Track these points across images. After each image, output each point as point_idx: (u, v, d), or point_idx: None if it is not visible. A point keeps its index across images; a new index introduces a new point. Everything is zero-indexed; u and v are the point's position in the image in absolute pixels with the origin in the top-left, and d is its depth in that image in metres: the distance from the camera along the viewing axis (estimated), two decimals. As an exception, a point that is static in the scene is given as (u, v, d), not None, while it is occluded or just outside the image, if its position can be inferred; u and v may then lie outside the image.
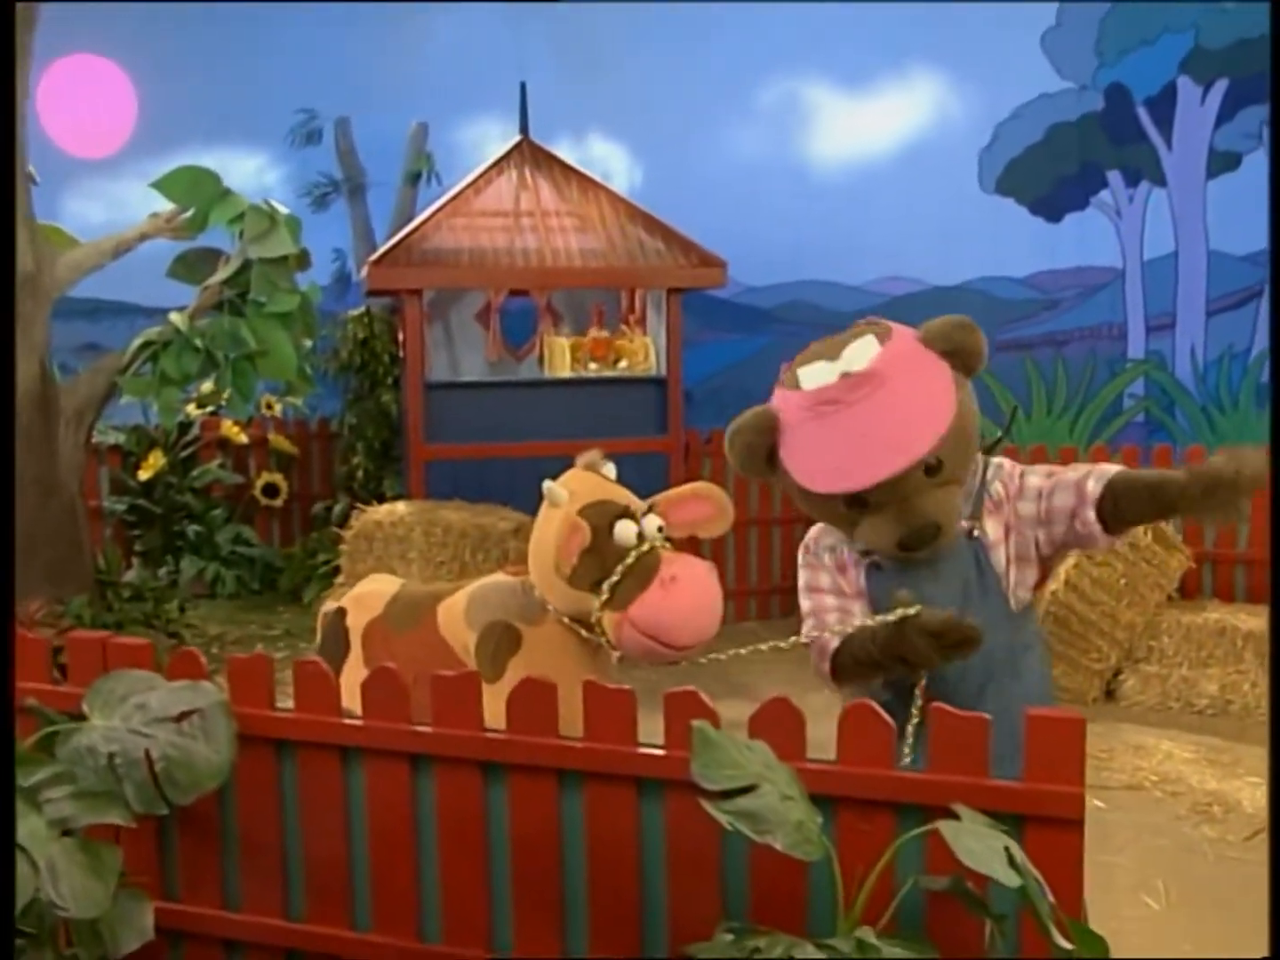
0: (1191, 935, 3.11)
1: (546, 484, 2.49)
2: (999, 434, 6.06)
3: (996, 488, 2.12)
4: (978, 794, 1.74)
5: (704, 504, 2.51)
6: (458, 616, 2.62)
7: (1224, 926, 3.14)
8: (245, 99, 8.05)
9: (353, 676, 2.45)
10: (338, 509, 6.69)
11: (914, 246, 7.72)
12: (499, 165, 6.07)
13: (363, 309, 6.61)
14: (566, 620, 2.50)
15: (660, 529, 2.45)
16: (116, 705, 2.07)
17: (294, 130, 7.92)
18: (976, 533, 2.09)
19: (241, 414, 5.98)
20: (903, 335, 2.03)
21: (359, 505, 5.60)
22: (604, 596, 2.39)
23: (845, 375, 1.96)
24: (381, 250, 5.75)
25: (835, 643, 2.08)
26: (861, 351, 1.98)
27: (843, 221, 7.78)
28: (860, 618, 2.09)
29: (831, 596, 2.15)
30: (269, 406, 7.28)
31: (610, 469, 2.55)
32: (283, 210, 5.28)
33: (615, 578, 2.37)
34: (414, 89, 8.00)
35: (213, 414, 6.94)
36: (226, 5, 7.96)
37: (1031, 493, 2.10)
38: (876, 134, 7.89)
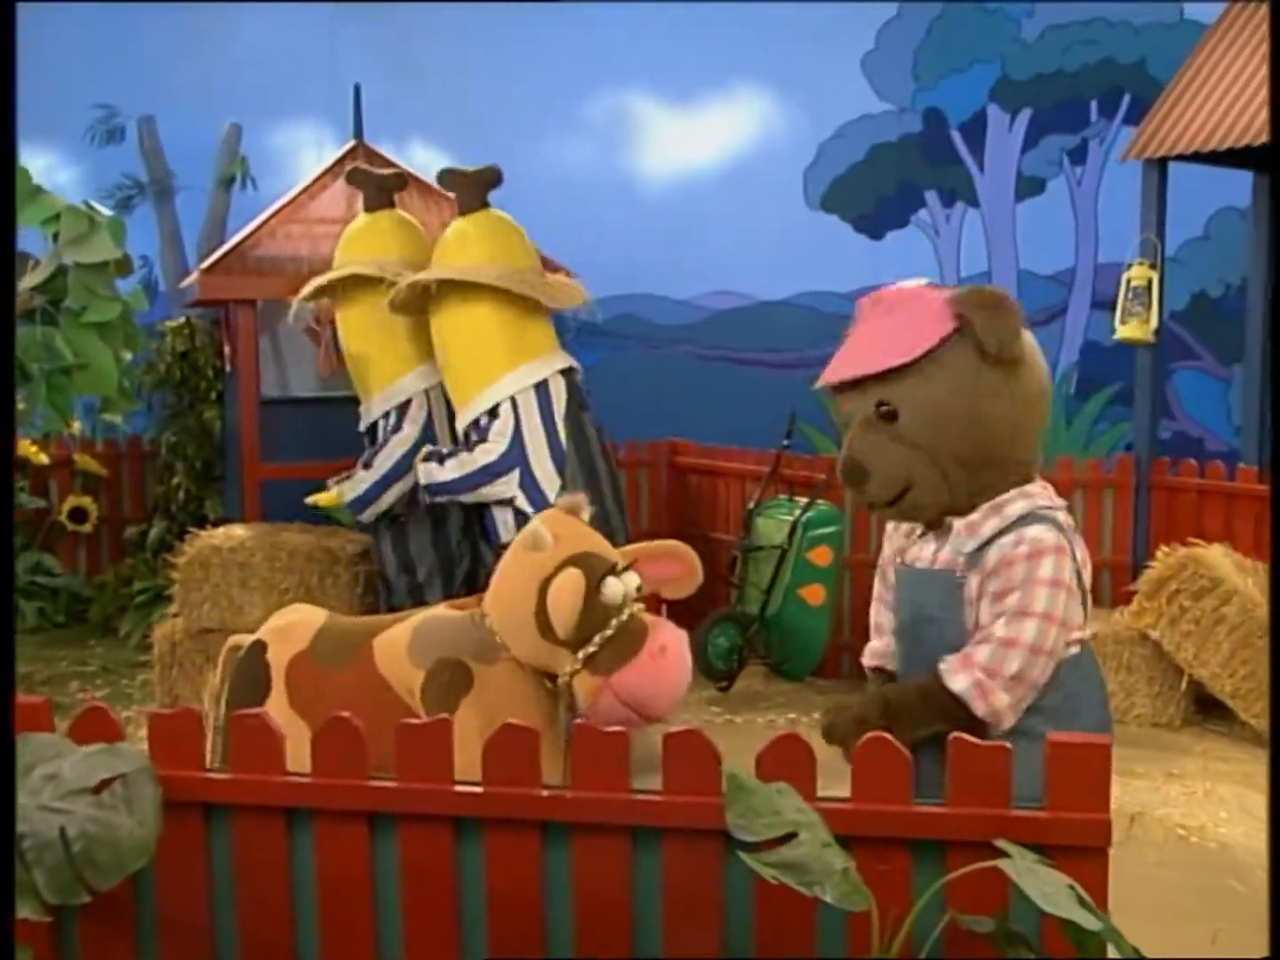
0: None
1: (532, 525, 2.33)
2: (785, 443, 6.10)
3: (993, 556, 2.00)
4: (1000, 826, 1.68)
5: (676, 563, 2.45)
6: (399, 653, 2.42)
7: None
8: (30, 90, 7.40)
9: (275, 718, 2.23)
10: (154, 533, 6.23)
11: (741, 261, 7.81)
12: (333, 170, 5.78)
13: (182, 320, 6.19)
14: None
15: (639, 588, 2.34)
16: (21, 778, 1.80)
17: (92, 127, 7.36)
18: (960, 575, 2.02)
19: (42, 432, 5.51)
20: (945, 291, 2.06)
21: (191, 529, 5.20)
22: (582, 659, 2.26)
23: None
24: (213, 258, 5.38)
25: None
26: (908, 284, 2.10)
27: (670, 236, 7.78)
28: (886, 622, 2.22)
29: (876, 605, 2.25)
30: (67, 424, 6.73)
31: (586, 513, 2.44)
32: (104, 212, 4.87)
33: (593, 648, 2.26)
34: (223, 89, 7.57)
35: (4, 432, 6.35)
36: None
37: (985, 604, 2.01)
38: (703, 150, 7.94)
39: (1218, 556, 4.75)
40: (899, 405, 1.99)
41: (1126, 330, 5.27)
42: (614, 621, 2.27)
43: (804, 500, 5.47)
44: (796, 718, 5.00)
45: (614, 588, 2.30)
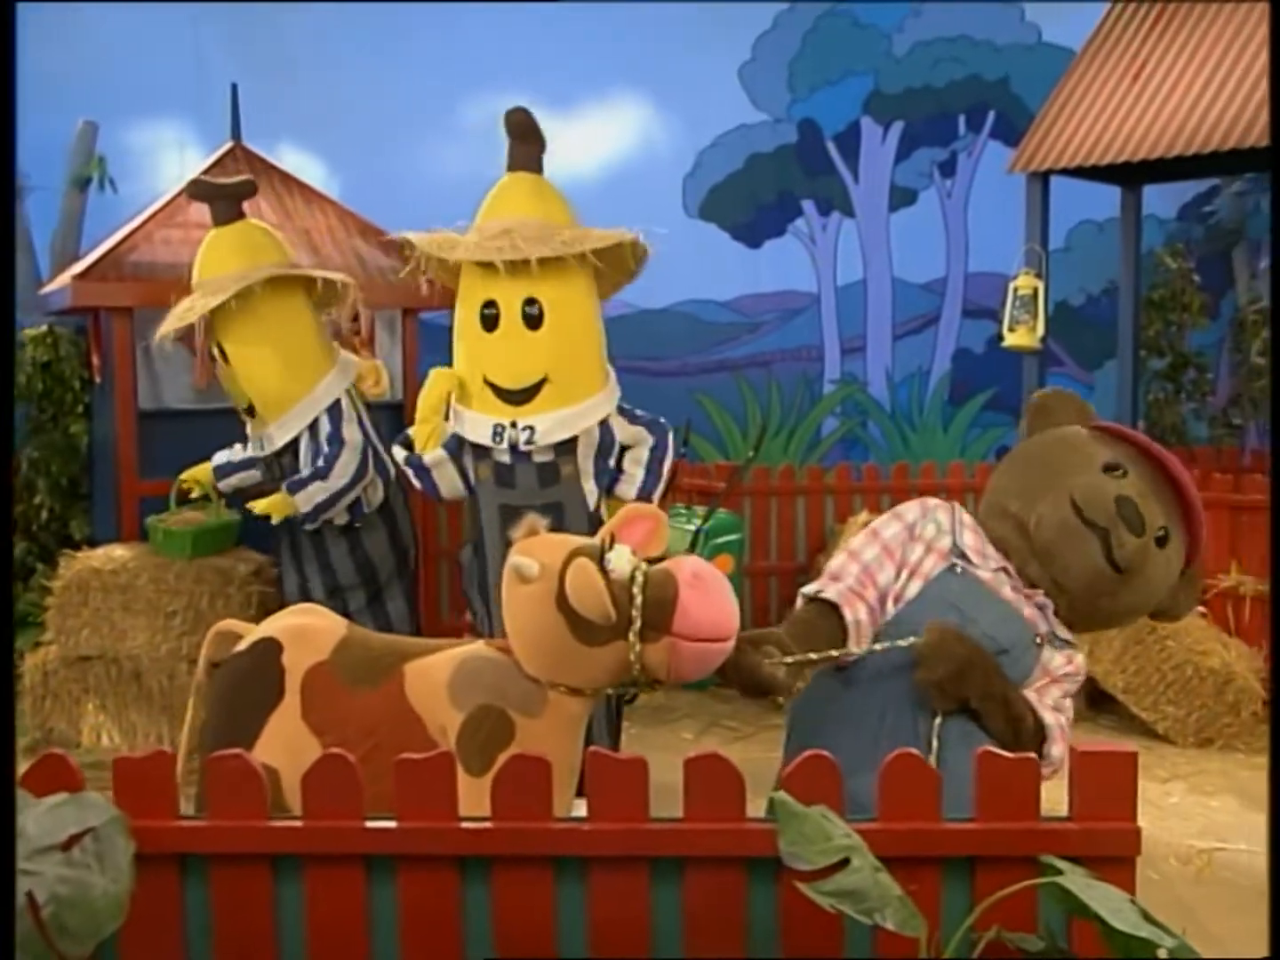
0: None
1: (514, 559, 2.22)
2: (681, 451, 6.16)
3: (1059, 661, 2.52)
4: (1030, 840, 1.67)
5: (646, 521, 2.35)
6: (437, 689, 2.26)
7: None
8: None
9: (285, 729, 2.06)
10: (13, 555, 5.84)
11: (621, 269, 7.76)
12: (210, 172, 5.50)
13: (44, 328, 5.81)
14: (589, 692, 2.28)
15: (633, 551, 2.26)
16: (-22, 836, 1.62)
17: (-70, 122, 6.87)
18: (1041, 640, 2.48)
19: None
20: None
21: (65, 550, 4.88)
22: (634, 638, 2.17)
23: None
24: (86, 262, 5.06)
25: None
26: None
27: (550, 243, 7.69)
28: (874, 592, 2.39)
29: (876, 554, 2.44)
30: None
31: (543, 525, 2.34)
32: (-34, 213, 4.52)
33: (637, 621, 2.18)
34: (76, 85, 7.17)
35: None
36: None
37: None
38: (581, 156, 7.86)
39: (1107, 557, 4.92)
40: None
41: (1014, 338, 5.42)
42: (636, 588, 2.20)
43: (703, 509, 5.46)
44: (694, 738, 4.99)
45: (618, 560, 2.23)
